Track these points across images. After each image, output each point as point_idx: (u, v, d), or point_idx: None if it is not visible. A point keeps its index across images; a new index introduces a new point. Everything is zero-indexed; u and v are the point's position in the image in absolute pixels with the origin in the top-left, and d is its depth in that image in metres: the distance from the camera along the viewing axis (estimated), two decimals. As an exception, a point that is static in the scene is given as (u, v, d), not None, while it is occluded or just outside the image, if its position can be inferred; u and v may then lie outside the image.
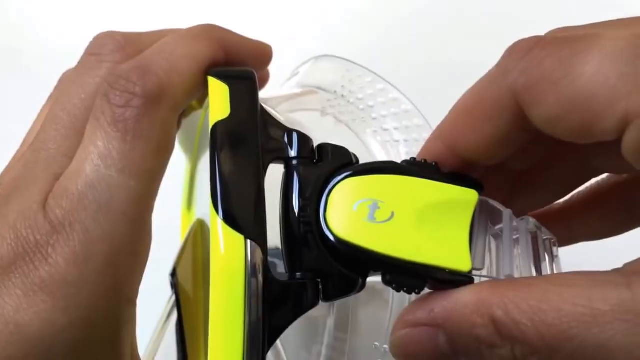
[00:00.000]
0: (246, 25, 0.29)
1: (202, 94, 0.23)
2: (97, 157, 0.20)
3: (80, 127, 0.21)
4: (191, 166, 0.33)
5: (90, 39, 0.24)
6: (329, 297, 0.20)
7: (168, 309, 0.30)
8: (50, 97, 0.24)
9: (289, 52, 0.32)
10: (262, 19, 0.49)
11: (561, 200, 0.25)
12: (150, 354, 0.29)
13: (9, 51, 0.52)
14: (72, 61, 0.24)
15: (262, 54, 0.26)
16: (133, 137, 0.20)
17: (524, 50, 0.18)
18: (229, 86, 0.21)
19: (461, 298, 0.18)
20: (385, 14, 0.48)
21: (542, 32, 0.19)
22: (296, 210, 0.20)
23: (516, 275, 0.19)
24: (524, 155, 0.21)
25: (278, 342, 0.26)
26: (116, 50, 0.23)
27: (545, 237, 0.21)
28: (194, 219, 0.34)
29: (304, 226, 0.20)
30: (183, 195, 0.35)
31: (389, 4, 0.48)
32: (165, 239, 0.26)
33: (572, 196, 0.24)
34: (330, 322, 0.27)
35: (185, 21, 0.26)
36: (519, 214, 0.21)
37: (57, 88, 0.24)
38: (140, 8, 0.52)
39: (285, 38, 0.35)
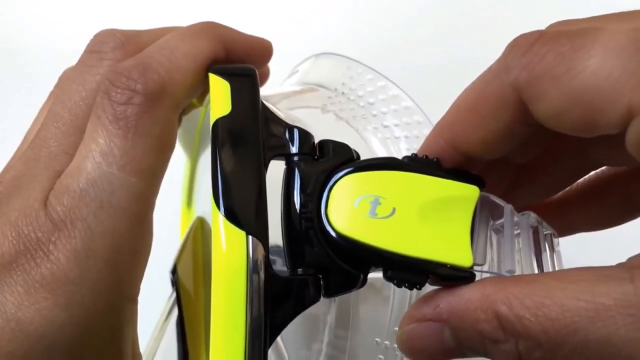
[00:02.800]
0: (246, 22, 0.29)
1: (202, 91, 0.23)
2: (99, 154, 0.20)
3: (81, 124, 0.21)
4: (191, 164, 0.33)
5: (90, 38, 0.24)
6: (331, 293, 0.20)
7: (169, 307, 0.30)
8: (51, 95, 0.24)
9: (289, 50, 0.32)
10: (261, 17, 0.49)
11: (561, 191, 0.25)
12: (151, 351, 0.29)
13: (9, 51, 0.52)
14: (71, 61, 0.24)
15: (262, 51, 0.26)
16: (134, 135, 0.20)
17: (526, 46, 0.18)
18: (229, 83, 0.21)
19: (466, 294, 0.18)
20: (385, 11, 0.48)
21: (542, 27, 0.19)
22: (297, 206, 0.20)
23: (517, 270, 0.20)
24: (524, 148, 0.21)
25: (279, 339, 0.26)
26: (117, 48, 0.23)
27: (546, 232, 0.21)
28: (194, 217, 0.34)
29: (305, 222, 0.20)
30: (183, 192, 0.35)
31: (389, 2, 0.48)
32: (165, 236, 0.26)
33: (572, 187, 0.25)
34: (331, 319, 0.27)
35: (185, 19, 0.26)
36: (519, 207, 0.21)
37: (57, 86, 0.24)
38: (141, 7, 0.52)
39: (284, 36, 0.35)
